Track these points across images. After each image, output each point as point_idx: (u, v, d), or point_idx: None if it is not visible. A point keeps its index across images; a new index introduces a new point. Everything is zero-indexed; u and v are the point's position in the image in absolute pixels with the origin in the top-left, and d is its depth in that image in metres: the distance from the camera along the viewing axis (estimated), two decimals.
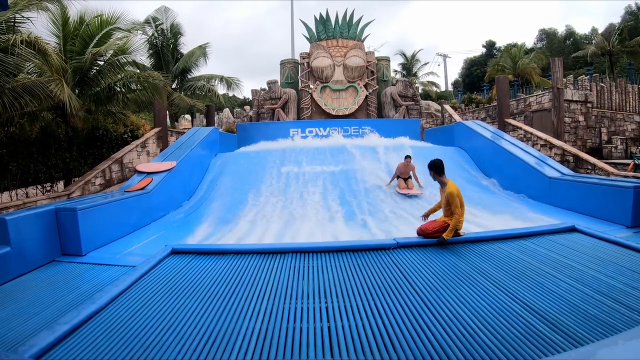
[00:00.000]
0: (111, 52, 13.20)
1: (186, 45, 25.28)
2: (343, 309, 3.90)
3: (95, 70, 13.33)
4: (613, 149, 20.22)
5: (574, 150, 14.15)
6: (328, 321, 3.65)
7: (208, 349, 3.14)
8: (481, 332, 3.30)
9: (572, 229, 6.66)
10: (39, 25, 11.71)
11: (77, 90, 13.01)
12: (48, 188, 12.73)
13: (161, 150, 15.35)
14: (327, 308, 3.94)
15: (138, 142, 14.87)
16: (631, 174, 11.47)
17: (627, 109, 23.93)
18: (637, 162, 14.97)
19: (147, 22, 23.32)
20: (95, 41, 13.53)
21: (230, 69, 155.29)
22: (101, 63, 13.36)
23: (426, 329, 3.42)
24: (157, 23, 23.78)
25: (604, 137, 21.55)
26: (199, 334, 3.38)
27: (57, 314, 4.24)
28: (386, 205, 10.57)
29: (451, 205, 6.08)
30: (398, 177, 12.09)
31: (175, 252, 5.92)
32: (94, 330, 3.47)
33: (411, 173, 12.06)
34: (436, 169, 6.48)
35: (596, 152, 20.02)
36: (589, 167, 12.80)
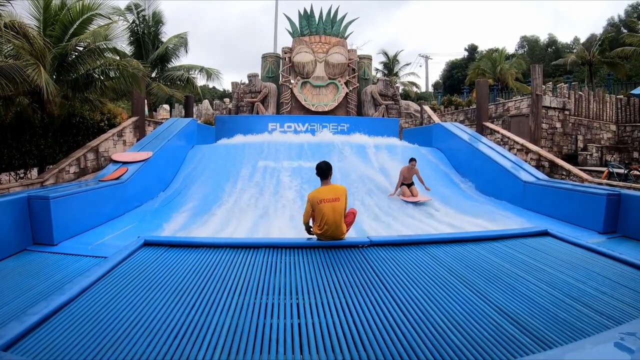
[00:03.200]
0: (91, 38, 13.02)
1: (167, 34, 24.95)
2: (314, 306, 3.92)
3: (74, 56, 13.15)
4: (588, 157, 20.56)
5: (550, 155, 14.39)
6: (299, 318, 3.66)
7: (177, 343, 3.14)
8: (450, 332, 3.33)
9: (545, 233, 6.76)
10: (19, 8, 11.54)
11: (54, 76, 12.82)
12: (21, 175, 12.55)
13: (138, 140, 15.21)
14: (298, 304, 3.96)
15: (115, 130, 14.70)
16: (605, 181, 11.71)
17: (604, 118, 24.36)
18: (611, 170, 15.25)
19: (128, 8, 22.93)
20: (75, 27, 13.33)
21: (218, 62, 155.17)
22: (80, 49, 13.19)
23: (396, 327, 3.44)
24: (138, 10, 23.42)
25: (580, 145, 21.90)
26: (168, 327, 3.38)
27: (27, 304, 4.21)
28: (361, 203, 10.65)
29: None
30: (402, 183, 11.70)
31: (147, 244, 5.89)
32: (63, 321, 3.45)
33: (415, 177, 11.72)
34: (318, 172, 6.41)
35: (572, 158, 20.34)
36: (564, 173, 13.02)
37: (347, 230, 6.34)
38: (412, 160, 11.59)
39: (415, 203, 11.01)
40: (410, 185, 11.61)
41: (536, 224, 7.95)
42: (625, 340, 2.58)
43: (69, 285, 4.16)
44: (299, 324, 3.53)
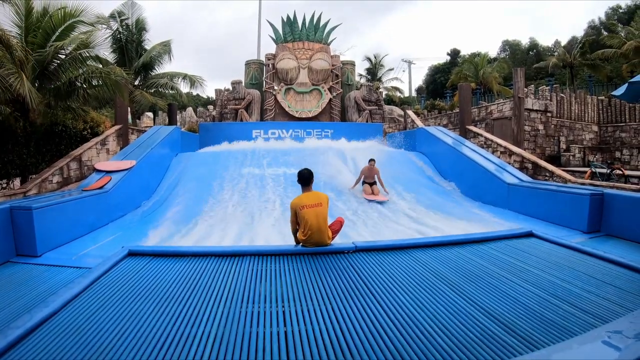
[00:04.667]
0: (73, 45, 12.89)
1: (151, 41, 24.81)
2: (300, 313, 3.90)
3: (56, 64, 13.01)
4: (571, 157, 20.82)
5: (533, 157, 14.47)
6: (285, 326, 3.64)
7: (163, 354, 3.11)
8: (437, 335, 3.33)
9: (530, 234, 6.80)
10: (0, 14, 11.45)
11: (36, 84, 12.66)
12: (4, 185, 12.37)
13: (121, 149, 15.09)
14: (284, 312, 3.93)
15: (98, 139, 14.51)
16: (588, 181, 11.80)
17: (586, 119, 24.74)
18: (594, 170, 15.41)
19: (112, 16, 22.69)
20: (57, 34, 13.18)
21: (207, 70, 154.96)
22: (62, 56, 13.06)
23: (382, 332, 3.44)
24: (122, 17, 23.21)
25: (563, 146, 22.18)
26: (154, 338, 3.34)
27: (10, 317, 4.14)
28: (346, 208, 10.66)
29: None
30: (364, 182, 12.21)
31: (132, 254, 5.82)
32: (47, 334, 3.40)
33: (376, 177, 12.11)
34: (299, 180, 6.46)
35: (555, 159, 20.56)
36: (547, 174, 13.11)
37: (333, 238, 6.33)
38: (371, 160, 12.14)
39: (376, 202, 11.41)
40: (372, 184, 12.11)
41: (521, 226, 7.96)
42: (612, 338, 2.60)
43: (53, 297, 4.10)
44: (285, 332, 3.51)
